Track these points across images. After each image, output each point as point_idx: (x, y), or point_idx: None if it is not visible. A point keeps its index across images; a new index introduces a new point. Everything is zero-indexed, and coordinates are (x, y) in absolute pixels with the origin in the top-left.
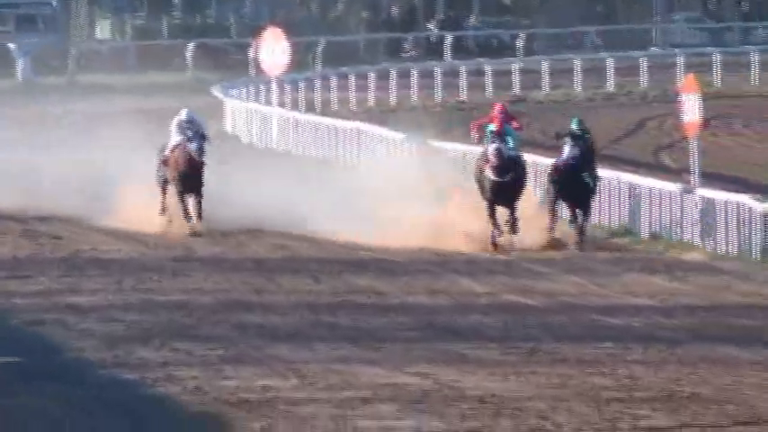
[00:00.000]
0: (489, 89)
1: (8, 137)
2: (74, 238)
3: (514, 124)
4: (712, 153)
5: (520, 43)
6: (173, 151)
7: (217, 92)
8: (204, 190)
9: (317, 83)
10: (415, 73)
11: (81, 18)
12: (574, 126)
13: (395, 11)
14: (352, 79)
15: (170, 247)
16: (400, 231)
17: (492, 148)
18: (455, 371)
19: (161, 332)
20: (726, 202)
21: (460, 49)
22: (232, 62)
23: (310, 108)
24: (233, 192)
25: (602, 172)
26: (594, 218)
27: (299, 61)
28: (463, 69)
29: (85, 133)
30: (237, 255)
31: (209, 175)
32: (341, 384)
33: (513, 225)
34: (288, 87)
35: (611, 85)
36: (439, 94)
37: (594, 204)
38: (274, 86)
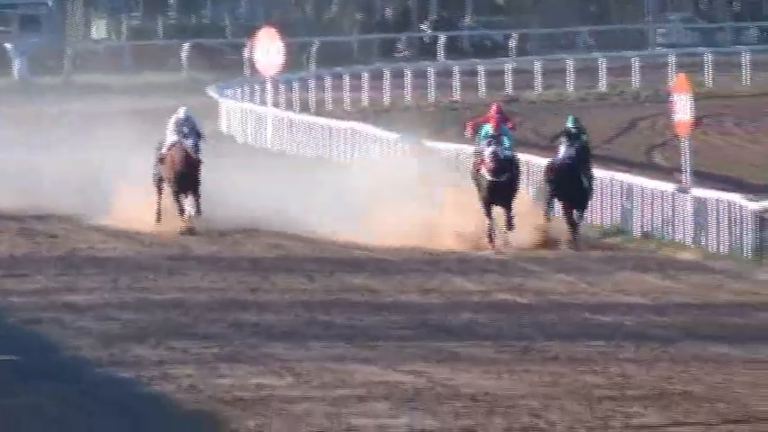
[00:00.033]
0: (482, 89)
1: (5, 136)
2: (70, 236)
3: (509, 125)
4: (703, 152)
5: (513, 43)
6: (169, 149)
7: (212, 92)
8: (201, 189)
9: (312, 83)
10: (408, 73)
11: (77, 18)
12: (569, 124)
13: (388, 12)
14: (346, 79)
15: (166, 246)
16: (393, 231)
17: (489, 151)
18: (448, 369)
19: (157, 330)
20: (717, 201)
21: (454, 50)
22: (227, 62)
23: (305, 108)
24: (228, 191)
25: (595, 171)
26: (587, 217)
27: (294, 61)
28: (456, 69)
29: (82, 133)
30: (233, 254)
31: (204, 174)
32: (335, 382)
33: (509, 223)
34: (282, 87)
35: (603, 85)
36: (432, 95)
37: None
38: (269, 86)
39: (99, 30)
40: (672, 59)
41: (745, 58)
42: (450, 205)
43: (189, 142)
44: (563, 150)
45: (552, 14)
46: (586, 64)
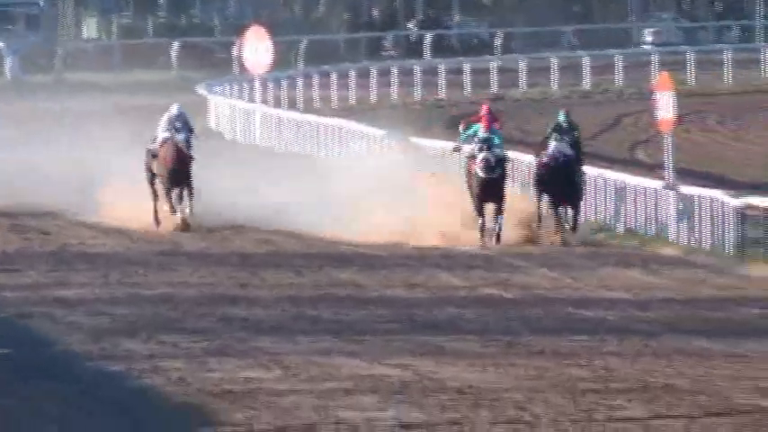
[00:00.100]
0: (468, 87)
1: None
2: (62, 232)
3: (496, 125)
4: (685, 149)
5: (498, 42)
6: (162, 146)
7: (201, 89)
8: (193, 184)
9: (300, 81)
10: (395, 71)
11: (68, 17)
12: (561, 118)
13: (375, 11)
14: (333, 78)
15: (156, 242)
16: (379, 227)
17: (481, 157)
18: (434, 363)
19: (147, 325)
20: (700, 197)
21: (442, 48)
22: (216, 61)
23: (293, 105)
24: (217, 187)
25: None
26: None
27: (282, 60)
28: (442, 68)
29: (74, 130)
30: (222, 249)
31: (194, 170)
32: (322, 376)
33: (497, 214)
34: (271, 85)
35: (587, 83)
36: (418, 93)
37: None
38: (257, 84)
39: (90, 29)
40: (655, 58)
41: (727, 57)
42: (435, 201)
43: (180, 137)
44: (553, 145)
45: (537, 13)
46: (570, 62)
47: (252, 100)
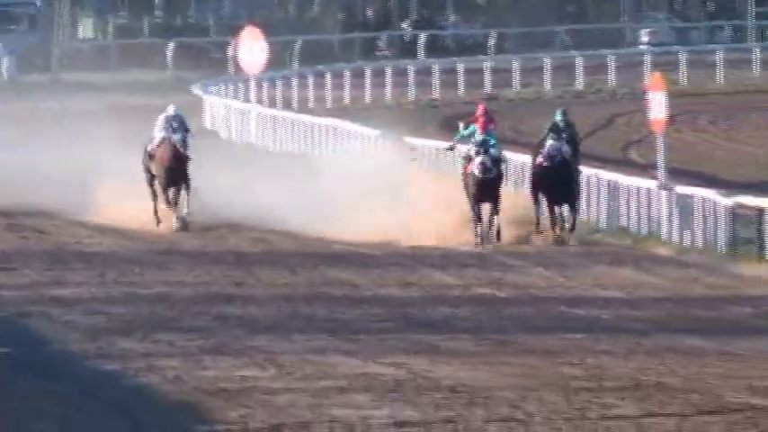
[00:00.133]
0: (462, 87)
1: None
2: (58, 232)
3: (491, 126)
4: (677, 149)
5: (491, 42)
6: (159, 146)
7: (196, 89)
8: (190, 184)
9: (294, 81)
10: (389, 72)
11: (64, 18)
12: (558, 117)
13: (370, 12)
14: (328, 78)
15: (152, 241)
16: (373, 225)
17: (478, 160)
18: (428, 361)
19: (143, 324)
20: (692, 196)
21: (437, 48)
22: (212, 61)
23: (288, 105)
24: (212, 186)
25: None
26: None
27: (277, 60)
28: (436, 68)
29: (70, 128)
30: (218, 248)
31: (190, 170)
32: (317, 374)
33: (494, 214)
34: (266, 85)
35: (580, 83)
36: (412, 92)
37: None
38: (252, 84)
39: (86, 29)
40: (647, 58)
41: (719, 57)
42: (429, 200)
43: (177, 137)
44: (549, 144)
45: (530, 14)
46: (564, 62)
47: (247, 100)
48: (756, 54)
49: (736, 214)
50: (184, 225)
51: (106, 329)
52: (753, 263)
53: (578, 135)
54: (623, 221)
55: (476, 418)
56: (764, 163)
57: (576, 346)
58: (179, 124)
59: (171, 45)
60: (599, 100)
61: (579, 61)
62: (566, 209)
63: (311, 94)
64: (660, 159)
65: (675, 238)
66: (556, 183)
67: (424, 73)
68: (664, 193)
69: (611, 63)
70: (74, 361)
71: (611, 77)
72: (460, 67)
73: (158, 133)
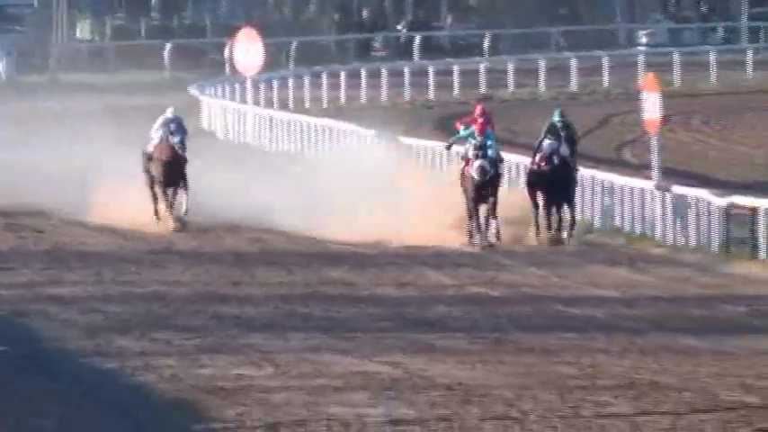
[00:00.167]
0: (456, 88)
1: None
2: (56, 231)
3: (490, 127)
4: (671, 149)
5: (486, 43)
6: (156, 146)
7: (194, 90)
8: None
9: (291, 81)
10: (384, 72)
11: (63, 19)
12: (556, 118)
13: (365, 13)
14: (323, 78)
15: (149, 241)
16: (369, 224)
17: (477, 164)
18: (424, 360)
19: (140, 322)
20: (686, 196)
21: (433, 49)
22: (209, 62)
23: (284, 106)
24: (211, 185)
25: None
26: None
27: (273, 61)
28: (431, 69)
29: (68, 128)
30: (214, 248)
31: (188, 170)
32: (314, 373)
33: (492, 216)
34: (262, 86)
35: (574, 85)
36: (408, 93)
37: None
38: (249, 85)
39: (83, 30)
40: (641, 59)
41: (713, 58)
42: (424, 200)
43: (176, 139)
44: (547, 144)
45: (525, 15)
46: (558, 63)
47: (244, 101)
48: (749, 55)
49: (729, 214)
50: (182, 225)
51: (103, 328)
52: (746, 262)
53: (576, 134)
54: (617, 221)
55: (471, 416)
56: (758, 163)
57: (571, 344)
58: (177, 126)
59: (168, 46)
60: (593, 101)
61: (573, 62)
62: (566, 210)
63: (307, 94)
64: (654, 159)
65: (669, 237)
66: (554, 183)
67: (420, 74)
68: (657, 192)
69: (606, 64)
70: (71, 359)
71: (605, 78)
72: (455, 69)
73: (156, 134)
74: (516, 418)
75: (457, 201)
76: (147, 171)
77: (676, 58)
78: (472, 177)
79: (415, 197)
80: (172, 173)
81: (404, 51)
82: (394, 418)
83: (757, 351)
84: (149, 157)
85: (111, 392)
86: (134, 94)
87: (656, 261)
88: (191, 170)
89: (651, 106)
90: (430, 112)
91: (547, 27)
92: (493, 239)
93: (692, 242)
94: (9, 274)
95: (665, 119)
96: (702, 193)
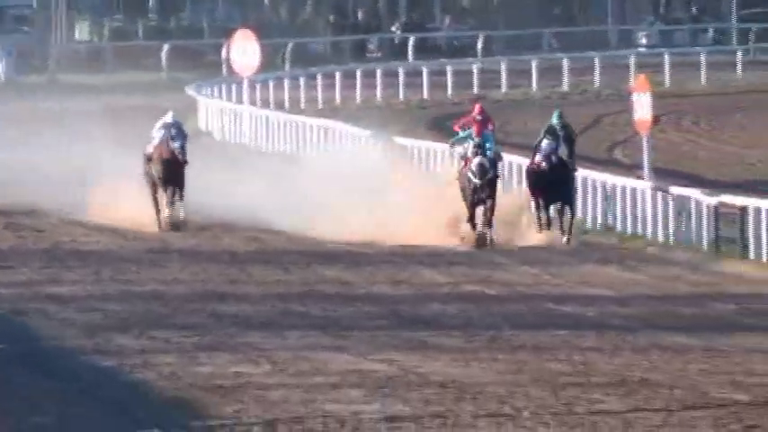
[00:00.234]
0: (450, 89)
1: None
2: (55, 230)
3: (490, 127)
4: (662, 149)
5: (480, 44)
6: (156, 147)
7: (191, 91)
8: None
9: (287, 82)
10: (379, 73)
11: (62, 20)
12: (555, 119)
13: (360, 15)
14: (319, 79)
15: (147, 240)
16: (364, 223)
17: (476, 162)
18: (419, 357)
19: (138, 321)
20: (677, 196)
21: (428, 50)
22: (206, 63)
23: (280, 106)
24: (209, 185)
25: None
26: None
27: (269, 62)
28: (425, 70)
29: (67, 128)
30: (212, 247)
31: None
32: (310, 370)
33: (490, 219)
34: (258, 86)
35: (566, 85)
36: (402, 94)
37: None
38: (246, 86)
39: (82, 31)
40: (632, 60)
41: (703, 59)
42: (419, 200)
43: (176, 145)
44: (545, 145)
45: (518, 17)
46: (550, 64)
47: (240, 101)
48: (739, 56)
49: (719, 213)
50: (178, 225)
51: (102, 326)
52: (735, 261)
53: (575, 134)
54: (609, 220)
55: (465, 412)
56: (748, 163)
57: (564, 342)
58: (177, 131)
59: (165, 47)
60: (585, 101)
61: (565, 63)
62: (567, 210)
63: (303, 95)
64: (645, 159)
65: (660, 236)
66: (552, 182)
67: (414, 74)
68: (649, 192)
69: (597, 65)
70: (70, 357)
71: (597, 79)
72: (449, 69)
73: (156, 134)
74: (509, 415)
75: (452, 200)
76: (148, 173)
77: (667, 58)
78: (470, 179)
79: (411, 197)
80: (171, 172)
81: (398, 52)
82: (389, 415)
83: (747, 348)
84: (149, 158)
85: (110, 390)
86: (132, 94)
87: (648, 260)
88: (188, 170)
89: (642, 107)
90: (424, 112)
91: (539, 28)
92: (489, 238)
93: (683, 241)
94: (8, 273)
95: (656, 119)
96: (693, 193)
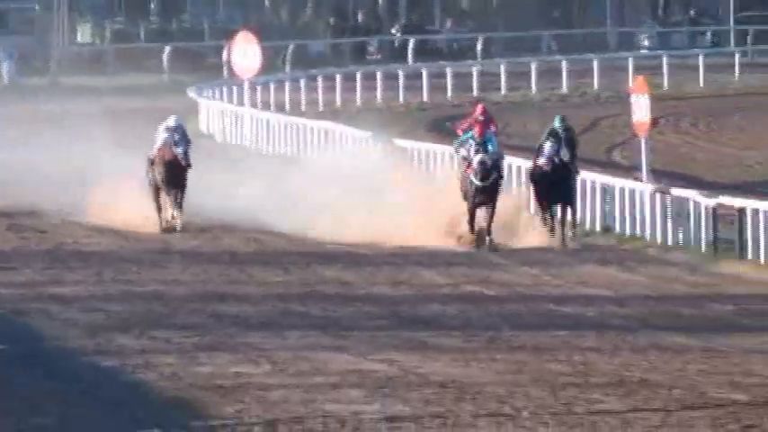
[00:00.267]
0: (450, 91)
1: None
2: (57, 231)
3: (492, 128)
4: (660, 151)
5: (479, 46)
6: (159, 150)
7: (192, 93)
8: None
9: (287, 84)
10: (379, 75)
11: (64, 22)
12: (557, 124)
13: (360, 17)
14: (319, 81)
15: (148, 241)
16: (364, 224)
17: (477, 160)
18: (418, 358)
19: (140, 321)
20: (676, 197)
21: (428, 52)
22: (207, 65)
23: (281, 108)
24: (207, 188)
25: None
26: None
27: (270, 64)
28: (425, 72)
29: (69, 130)
30: (212, 248)
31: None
32: (310, 370)
33: (489, 222)
34: (259, 89)
35: (565, 87)
36: (402, 96)
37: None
38: (246, 88)
39: (84, 34)
40: (630, 62)
41: (701, 61)
42: (418, 201)
43: (179, 150)
44: (548, 148)
45: (517, 19)
46: (550, 66)
47: (241, 103)
48: (736, 58)
49: (717, 214)
50: (175, 227)
51: (104, 327)
52: (733, 262)
53: (576, 137)
54: (609, 221)
55: (465, 412)
56: (746, 164)
57: (563, 342)
58: (181, 136)
59: (167, 49)
60: (584, 103)
61: (564, 65)
62: (569, 211)
63: (303, 97)
64: (644, 161)
65: (659, 237)
66: (555, 183)
67: (414, 77)
68: (648, 194)
69: (596, 67)
70: (72, 357)
71: (596, 81)
72: (449, 71)
73: (160, 136)
74: (509, 415)
75: (451, 202)
76: (151, 177)
77: (665, 61)
78: (471, 182)
79: (410, 198)
80: (174, 174)
81: (398, 54)
82: (389, 415)
83: (745, 349)
84: (152, 162)
85: (111, 390)
86: (133, 96)
87: (647, 261)
88: (190, 172)
89: (640, 109)
90: (424, 114)
91: (538, 31)
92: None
93: (682, 242)
94: (10, 274)
95: (655, 121)
96: (691, 194)
